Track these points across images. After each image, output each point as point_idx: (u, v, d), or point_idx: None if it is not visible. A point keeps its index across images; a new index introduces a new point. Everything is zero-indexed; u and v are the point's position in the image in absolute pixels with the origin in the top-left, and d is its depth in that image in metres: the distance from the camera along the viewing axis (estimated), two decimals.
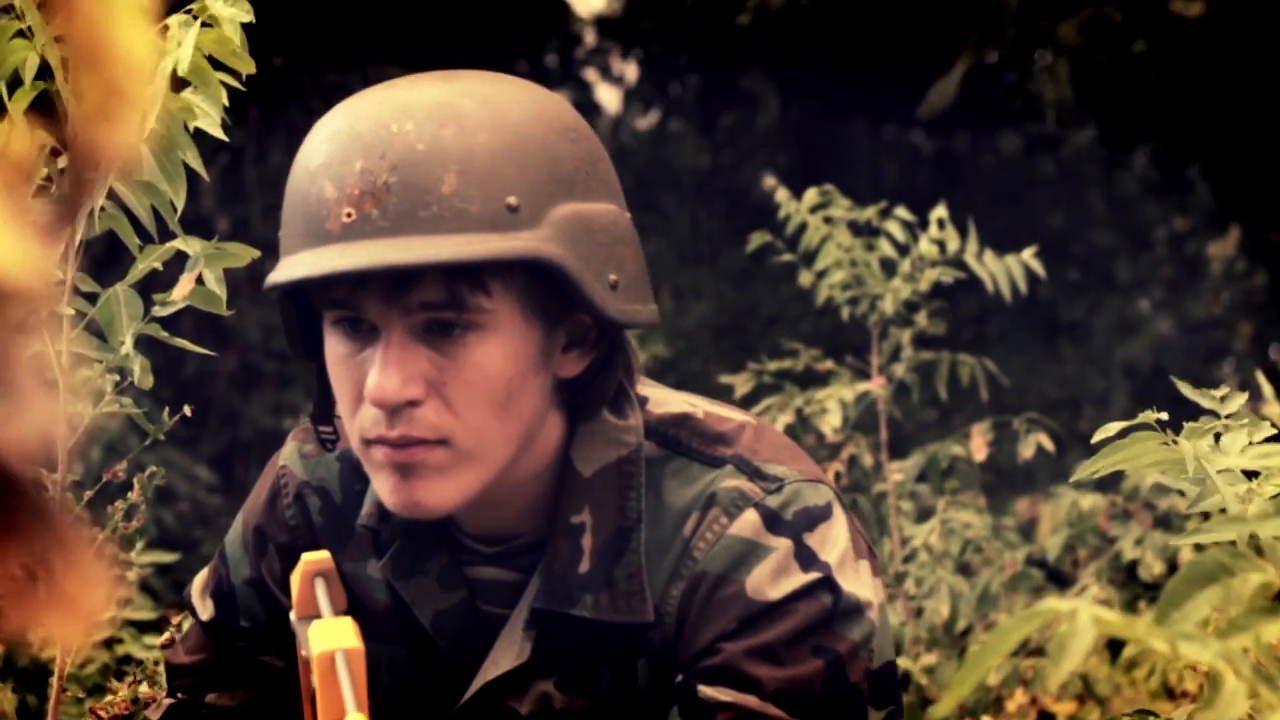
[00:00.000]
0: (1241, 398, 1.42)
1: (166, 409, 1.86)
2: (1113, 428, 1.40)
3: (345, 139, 1.41)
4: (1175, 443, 1.39)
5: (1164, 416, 1.41)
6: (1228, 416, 1.42)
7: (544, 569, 1.56)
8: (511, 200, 1.40)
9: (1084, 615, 0.98)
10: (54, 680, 1.76)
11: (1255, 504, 1.33)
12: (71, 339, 1.63)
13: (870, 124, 9.97)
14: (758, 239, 3.50)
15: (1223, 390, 1.43)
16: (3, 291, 0.47)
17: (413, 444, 1.44)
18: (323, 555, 1.47)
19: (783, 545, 1.52)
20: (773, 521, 1.53)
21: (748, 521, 1.53)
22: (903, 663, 3.06)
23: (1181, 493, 1.41)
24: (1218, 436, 1.41)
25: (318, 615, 1.44)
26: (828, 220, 3.43)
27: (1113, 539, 3.57)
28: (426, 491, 1.45)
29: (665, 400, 1.62)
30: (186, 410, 1.90)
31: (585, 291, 1.43)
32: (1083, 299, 9.48)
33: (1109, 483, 3.89)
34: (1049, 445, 3.37)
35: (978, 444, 3.45)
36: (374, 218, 1.38)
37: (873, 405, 3.46)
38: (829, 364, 3.53)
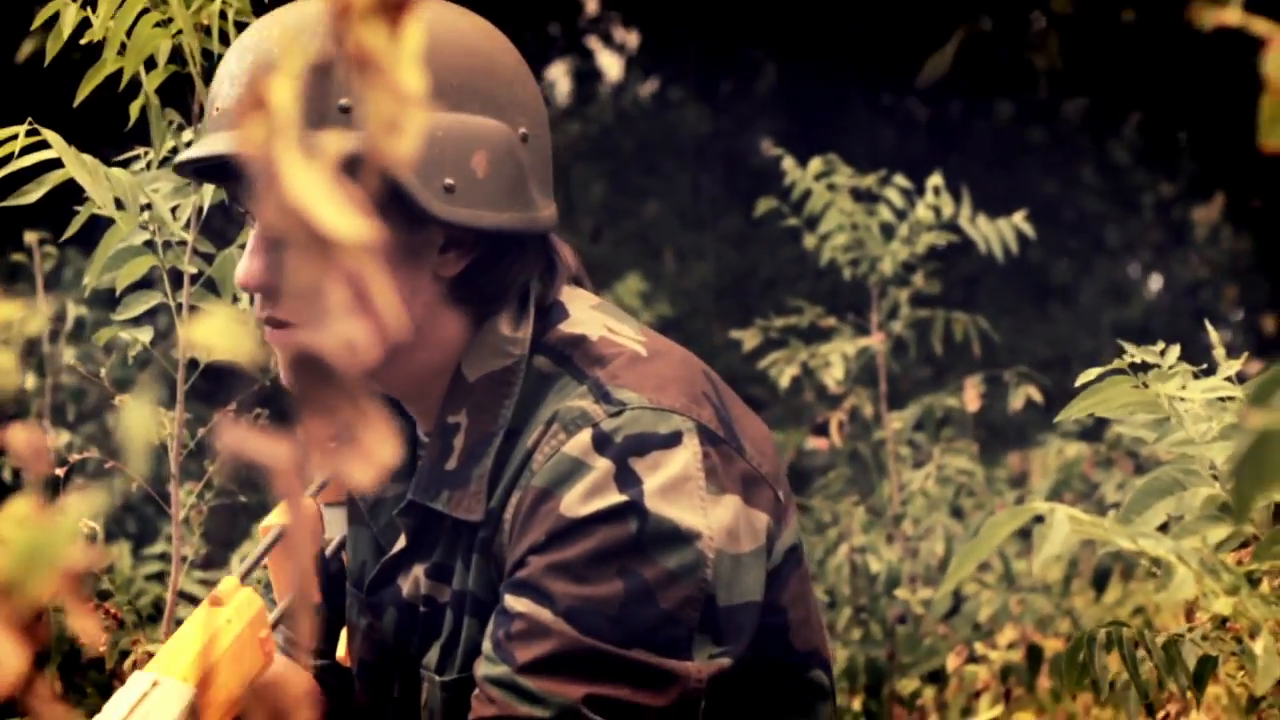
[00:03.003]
0: (1176, 350, 1.56)
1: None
2: (1093, 373, 1.51)
3: (236, 43, 1.55)
4: (1146, 385, 1.53)
5: (1137, 360, 1.53)
6: (1170, 367, 1.55)
7: (423, 462, 1.64)
8: (344, 102, 1.47)
9: (1060, 513, 1.21)
10: (169, 595, 1.99)
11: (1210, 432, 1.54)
12: (191, 293, 1.86)
13: (867, 92, 10.13)
14: (764, 205, 3.69)
15: (1159, 345, 1.54)
16: (333, 243, 0.71)
17: (279, 325, 1.56)
18: None
19: (603, 466, 1.53)
20: (602, 443, 1.54)
21: (580, 441, 1.54)
22: (900, 594, 3.28)
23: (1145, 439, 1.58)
24: (1198, 375, 1.54)
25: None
26: (831, 187, 3.61)
27: (1096, 484, 3.79)
28: None
29: (581, 321, 1.65)
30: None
31: (407, 191, 1.49)
32: (1072, 262, 9.65)
33: (1093, 433, 4.11)
34: (1038, 397, 3.57)
35: (971, 395, 3.67)
36: (222, 113, 1.54)
37: (873, 360, 3.65)
38: (831, 321, 3.71)
